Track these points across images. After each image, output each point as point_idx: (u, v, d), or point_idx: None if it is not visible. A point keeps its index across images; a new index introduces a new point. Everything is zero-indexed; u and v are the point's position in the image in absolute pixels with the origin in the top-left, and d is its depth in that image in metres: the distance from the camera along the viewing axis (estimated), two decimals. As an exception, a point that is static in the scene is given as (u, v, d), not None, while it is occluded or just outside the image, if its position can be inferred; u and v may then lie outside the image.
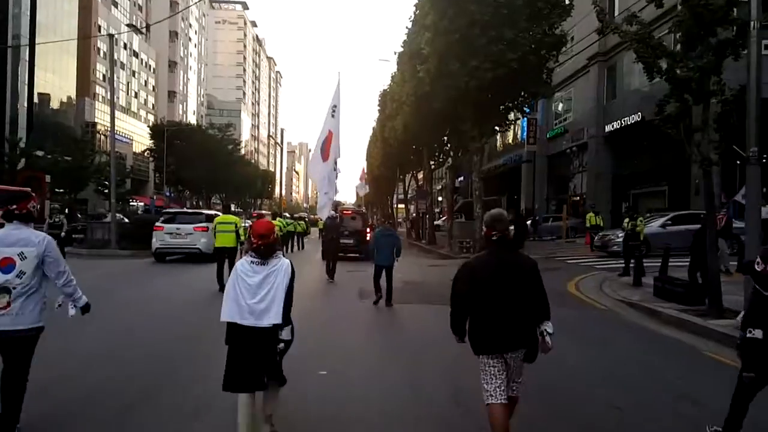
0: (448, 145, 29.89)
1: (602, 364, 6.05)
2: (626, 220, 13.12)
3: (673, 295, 9.19)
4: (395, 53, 26.46)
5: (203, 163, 40.74)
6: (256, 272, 3.58)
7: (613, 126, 25.67)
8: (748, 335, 3.39)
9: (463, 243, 19.94)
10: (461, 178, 41.97)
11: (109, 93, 66.46)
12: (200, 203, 60.97)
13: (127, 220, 23.36)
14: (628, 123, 24.19)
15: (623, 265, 12.59)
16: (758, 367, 3.41)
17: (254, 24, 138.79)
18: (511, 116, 21.88)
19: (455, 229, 23.37)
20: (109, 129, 63.40)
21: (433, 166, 31.12)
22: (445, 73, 16.88)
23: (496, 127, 19.48)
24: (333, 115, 14.07)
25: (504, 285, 3.35)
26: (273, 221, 20.77)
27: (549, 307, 3.46)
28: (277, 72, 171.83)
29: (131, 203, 62.96)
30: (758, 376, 3.44)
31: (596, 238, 16.58)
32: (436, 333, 6.23)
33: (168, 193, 63.34)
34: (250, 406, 3.58)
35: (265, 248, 3.61)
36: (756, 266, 3.44)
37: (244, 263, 3.66)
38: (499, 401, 3.33)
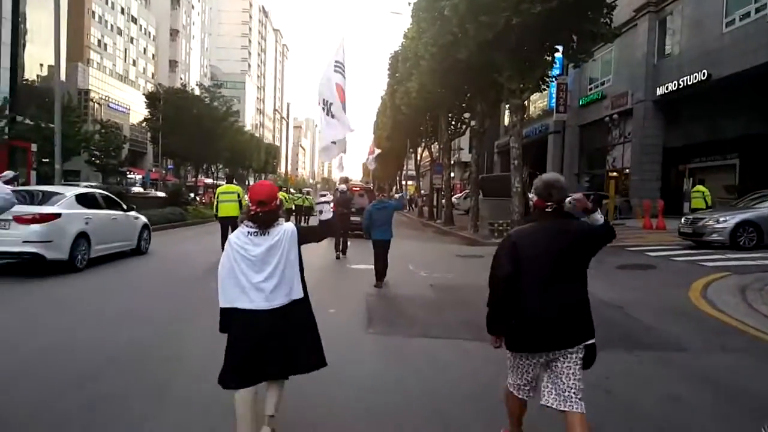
0: (467, 113, 26.25)
1: None
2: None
3: None
4: (409, 3, 22.69)
5: (189, 130, 36.84)
6: (256, 244, 2.99)
7: (667, 88, 21.84)
8: None
9: (495, 225, 16.35)
10: (473, 153, 38.34)
11: (105, 59, 63.35)
12: (198, 175, 57.68)
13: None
14: (688, 83, 20.36)
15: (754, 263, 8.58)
16: None
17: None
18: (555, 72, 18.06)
19: (485, 209, 19.79)
20: (104, 97, 60.67)
21: (450, 136, 27.43)
22: (479, 6, 13.18)
23: (543, 79, 15.64)
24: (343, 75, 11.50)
25: (558, 263, 2.66)
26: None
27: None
28: (284, 45, 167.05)
29: (129, 175, 60.03)
30: None
31: (684, 221, 12.74)
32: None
33: (169, 166, 60.17)
34: (252, 407, 2.99)
35: (263, 215, 3.03)
36: None
37: (239, 235, 3.04)
38: (521, 396, 2.81)
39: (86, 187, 15.48)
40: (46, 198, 9.31)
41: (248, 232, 3.03)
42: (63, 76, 54.12)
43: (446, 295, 7.96)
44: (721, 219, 11.77)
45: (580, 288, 2.76)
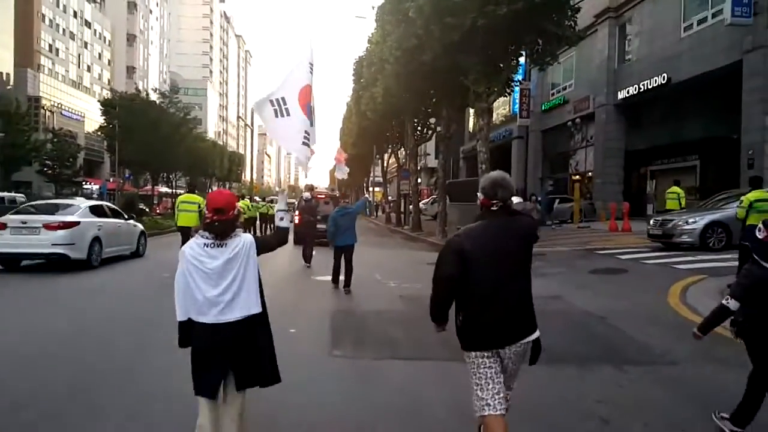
0: (433, 118, 26.03)
1: None
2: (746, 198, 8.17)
3: None
4: (374, 7, 22.37)
5: (144, 137, 35.30)
6: (212, 256, 2.82)
7: (627, 92, 22.08)
8: (723, 302, 3.20)
9: (462, 230, 16.05)
10: (440, 158, 38.28)
11: (57, 65, 60.83)
12: (157, 184, 55.80)
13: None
14: (649, 87, 20.60)
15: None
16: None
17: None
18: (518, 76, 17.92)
19: (453, 214, 19.49)
20: (56, 104, 58.16)
21: (416, 141, 27.15)
22: (444, 8, 12.89)
23: (509, 83, 15.44)
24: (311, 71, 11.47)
25: (506, 260, 2.67)
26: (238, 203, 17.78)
27: None
28: (247, 51, 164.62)
29: (84, 186, 57.65)
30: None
31: (653, 222, 12.58)
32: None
33: (127, 175, 58.05)
34: (215, 414, 2.88)
35: (220, 225, 2.84)
36: (757, 233, 3.12)
37: (193, 246, 2.86)
38: (498, 412, 2.67)
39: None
40: (65, 208, 11.55)
41: (204, 244, 2.85)
42: (11, 82, 51.77)
43: (417, 308, 7.42)
44: (691, 220, 11.69)
45: (526, 286, 2.79)
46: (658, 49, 20.57)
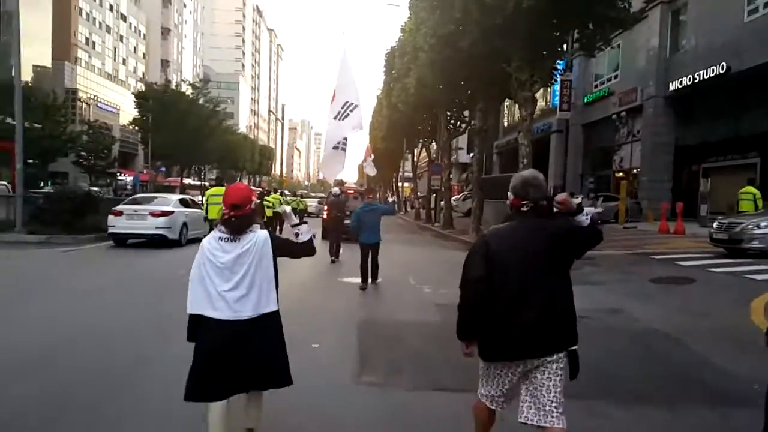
0: (466, 111, 24.91)
1: None
2: None
3: None
4: (407, -6, 21.36)
5: (174, 129, 35.11)
6: (225, 251, 2.84)
7: (680, 83, 20.52)
8: None
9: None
10: (473, 154, 37.05)
11: (93, 58, 61.70)
12: (190, 176, 56.08)
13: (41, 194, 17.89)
14: (705, 77, 19.05)
15: None
16: None
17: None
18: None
19: (488, 211, 18.41)
20: (92, 97, 58.97)
21: (449, 135, 26.07)
22: (485, -12, 11.84)
23: (555, 69, 14.28)
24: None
25: (535, 264, 2.47)
26: (267, 198, 17.42)
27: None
28: (278, 45, 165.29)
29: (119, 177, 58.39)
30: None
31: (718, 225, 11.24)
32: None
33: (161, 167, 58.51)
34: (225, 418, 2.83)
35: (237, 220, 2.85)
36: None
37: (210, 240, 2.90)
38: (494, 407, 2.61)
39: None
40: (162, 201, 14.77)
41: (219, 237, 2.87)
42: (49, 75, 52.60)
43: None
44: (763, 224, 10.37)
45: (560, 290, 2.54)
46: (717, 36, 18.98)
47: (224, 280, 2.80)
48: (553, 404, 2.48)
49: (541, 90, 20.91)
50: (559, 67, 14.99)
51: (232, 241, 2.83)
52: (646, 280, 8.99)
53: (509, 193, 2.66)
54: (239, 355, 2.78)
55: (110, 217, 13.59)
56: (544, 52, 13.27)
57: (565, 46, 14.33)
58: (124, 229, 13.54)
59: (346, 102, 12.53)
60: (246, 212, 2.85)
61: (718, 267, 9.89)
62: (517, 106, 35.34)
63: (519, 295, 2.47)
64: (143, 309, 6.79)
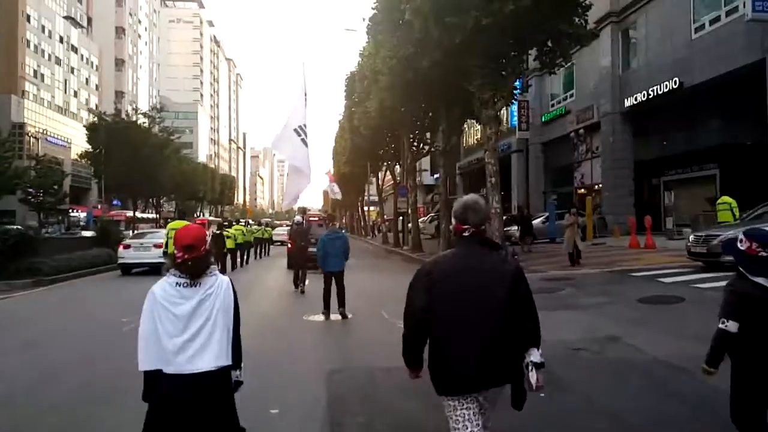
0: (428, 133, 24.79)
1: None
2: None
3: None
4: (364, 19, 21.21)
5: (125, 159, 33.78)
6: (184, 297, 2.58)
7: (635, 99, 20.91)
8: (721, 326, 2.91)
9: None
10: (437, 175, 37.09)
11: (42, 91, 59.56)
12: (146, 210, 54.14)
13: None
14: (659, 93, 19.44)
15: None
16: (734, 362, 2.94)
17: (211, 23, 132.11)
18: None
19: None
20: (41, 131, 56.69)
21: (413, 156, 25.86)
22: (444, 8, 11.64)
23: (516, 88, 14.19)
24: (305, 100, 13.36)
25: (475, 296, 2.46)
26: (229, 229, 16.66)
27: (539, 330, 2.52)
28: (238, 74, 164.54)
29: (72, 214, 55.91)
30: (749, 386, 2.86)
31: (694, 239, 10.97)
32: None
33: (115, 202, 56.38)
34: None
35: (193, 263, 2.61)
36: (739, 245, 2.98)
37: (164, 286, 2.61)
38: None
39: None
40: (156, 234, 16.63)
41: (176, 283, 2.60)
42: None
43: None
44: (741, 237, 10.23)
45: (498, 325, 2.45)
46: (668, 52, 19.47)
47: (180, 329, 2.54)
48: (485, 423, 2.52)
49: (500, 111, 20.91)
50: (517, 86, 14.93)
51: (191, 286, 2.59)
52: (634, 301, 8.60)
53: (453, 219, 2.65)
54: (195, 413, 2.53)
55: (120, 249, 16.44)
56: (505, 71, 13.12)
57: (525, 64, 14.23)
58: (132, 259, 15.88)
59: (301, 127, 12.93)
60: (201, 253, 2.63)
61: (702, 282, 9.53)
62: (477, 126, 35.72)
63: (465, 330, 2.43)
64: (78, 369, 5.98)
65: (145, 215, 50.55)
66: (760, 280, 2.87)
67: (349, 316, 8.95)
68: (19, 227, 19.59)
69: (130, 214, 45.64)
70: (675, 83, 18.57)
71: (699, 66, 17.74)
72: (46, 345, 7.15)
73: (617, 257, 13.74)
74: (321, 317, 9.01)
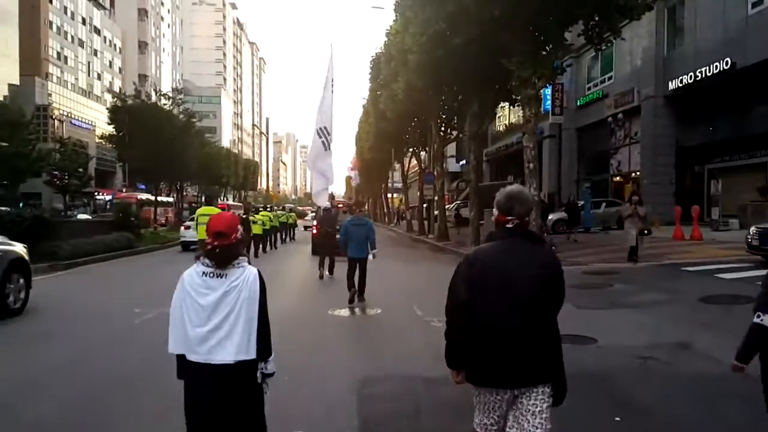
0: (455, 117, 23.70)
1: None
2: None
3: None
4: (393, -5, 20.20)
5: (147, 142, 33.36)
6: (210, 288, 2.54)
7: (681, 81, 19.58)
8: (756, 320, 2.74)
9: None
10: (463, 162, 35.99)
11: (66, 73, 59.77)
12: (170, 193, 54.09)
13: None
14: (708, 74, 18.10)
15: None
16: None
17: (234, 6, 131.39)
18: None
19: (489, 221, 17.12)
20: (65, 113, 56.98)
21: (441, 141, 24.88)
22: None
23: (563, 63, 13.14)
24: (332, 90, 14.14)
25: (517, 291, 2.38)
26: (256, 215, 16.22)
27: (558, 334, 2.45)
28: (261, 58, 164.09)
29: (97, 197, 56.25)
30: None
31: (754, 231, 10.02)
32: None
33: (141, 185, 56.52)
34: None
35: (222, 251, 2.55)
36: None
37: (192, 275, 2.59)
38: None
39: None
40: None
41: (203, 273, 2.55)
42: (15, 92, 50.61)
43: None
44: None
45: (544, 319, 2.42)
46: (719, 31, 18.09)
47: (204, 320, 2.52)
48: (538, 430, 2.41)
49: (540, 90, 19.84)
50: (560, 63, 13.86)
51: (218, 277, 2.55)
52: (696, 300, 7.63)
53: (494, 209, 2.58)
54: (217, 404, 2.51)
55: (181, 229, 19.47)
56: (548, 46, 12.07)
57: (569, 38, 13.14)
58: (191, 237, 17.18)
59: (324, 129, 13.61)
60: (232, 241, 2.57)
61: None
62: (505, 111, 34.41)
63: (501, 321, 2.38)
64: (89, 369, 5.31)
65: (164, 199, 50.43)
66: None
67: (378, 311, 8.19)
68: (33, 210, 19.33)
69: (142, 196, 45.56)
70: (726, 64, 17.23)
71: (754, 45, 16.39)
72: (46, 341, 6.53)
73: (665, 249, 12.67)
74: (347, 311, 8.31)
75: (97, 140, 60.17)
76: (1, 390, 4.73)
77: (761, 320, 2.70)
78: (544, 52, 12.54)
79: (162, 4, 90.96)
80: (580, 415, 3.97)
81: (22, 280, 7.95)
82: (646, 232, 11.72)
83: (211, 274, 2.54)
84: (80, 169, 46.72)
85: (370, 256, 8.96)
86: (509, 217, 2.46)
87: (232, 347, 2.49)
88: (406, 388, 4.77)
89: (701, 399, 4.38)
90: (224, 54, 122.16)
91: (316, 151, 13.94)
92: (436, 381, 4.72)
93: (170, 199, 50.93)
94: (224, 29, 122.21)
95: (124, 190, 57.09)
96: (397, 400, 4.51)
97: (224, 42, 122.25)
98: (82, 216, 34.87)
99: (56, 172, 44.68)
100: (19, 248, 8.29)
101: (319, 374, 5.20)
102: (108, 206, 49.38)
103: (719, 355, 5.21)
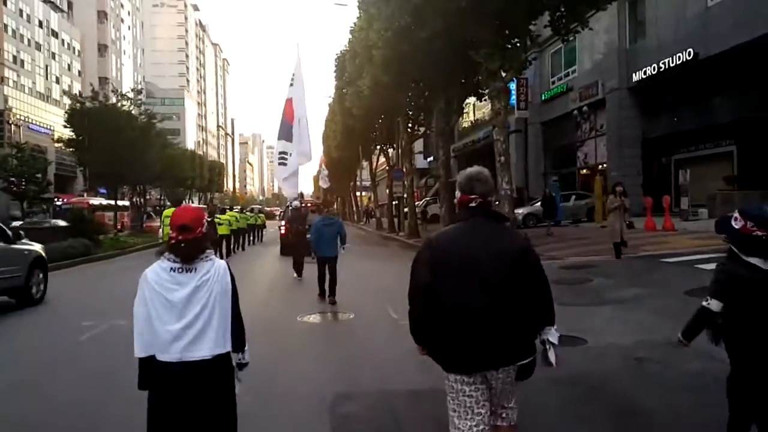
0: (422, 113, 23.50)
1: None
2: None
3: None
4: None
5: (105, 144, 32.18)
6: (179, 283, 2.46)
7: (644, 73, 19.79)
8: (704, 303, 2.85)
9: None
10: (431, 159, 35.93)
11: (23, 77, 57.50)
12: (134, 197, 52.49)
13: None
14: (671, 65, 18.32)
15: None
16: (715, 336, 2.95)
17: (196, 8, 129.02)
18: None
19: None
20: (22, 118, 54.79)
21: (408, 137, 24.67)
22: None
23: (529, 56, 12.99)
24: (291, 84, 14.58)
25: (482, 270, 2.33)
26: (222, 215, 15.48)
27: (552, 307, 2.49)
28: (224, 59, 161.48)
29: (57, 202, 54.25)
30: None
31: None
32: None
33: (102, 190, 54.67)
34: None
35: (186, 245, 2.47)
36: (733, 223, 2.81)
37: (158, 271, 2.49)
38: None
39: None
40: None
41: (170, 268, 2.47)
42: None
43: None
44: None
45: (514, 298, 2.34)
46: (680, 22, 18.35)
47: (176, 317, 2.43)
48: (503, 405, 2.45)
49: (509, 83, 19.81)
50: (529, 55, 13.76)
51: (187, 272, 2.47)
52: (681, 293, 7.43)
53: (456, 192, 2.57)
54: (192, 402, 2.42)
55: (159, 233, 17.13)
56: (516, 38, 11.92)
57: (537, 31, 13.02)
58: None
59: (300, 120, 13.71)
60: (197, 235, 2.50)
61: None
62: (473, 107, 34.39)
63: (464, 303, 2.33)
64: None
65: (122, 203, 48.77)
66: (753, 260, 2.70)
67: (351, 316, 7.87)
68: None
69: (92, 201, 44.02)
70: (689, 55, 17.47)
71: (715, 36, 16.63)
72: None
73: (639, 241, 12.66)
74: (317, 317, 7.96)
75: (56, 145, 58.08)
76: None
77: (708, 304, 2.83)
78: (509, 46, 12.41)
79: (122, 6, 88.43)
80: (580, 420, 3.82)
81: (41, 275, 9.49)
82: (628, 224, 11.37)
83: (180, 269, 2.48)
84: (38, 175, 44.90)
85: (342, 250, 9.02)
86: (472, 196, 2.44)
87: (208, 342, 2.44)
88: (385, 405, 4.37)
89: (701, 399, 4.16)
90: (187, 56, 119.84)
91: (282, 147, 14.38)
92: (418, 394, 4.42)
93: (126, 203, 49.23)
94: (186, 31, 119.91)
95: (85, 194, 55.21)
96: (375, 420, 4.11)
97: (186, 44, 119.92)
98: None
99: (13, 179, 42.81)
100: (39, 248, 9.83)
101: (286, 391, 4.78)
102: (58, 211, 47.61)
103: (716, 352, 5.02)
